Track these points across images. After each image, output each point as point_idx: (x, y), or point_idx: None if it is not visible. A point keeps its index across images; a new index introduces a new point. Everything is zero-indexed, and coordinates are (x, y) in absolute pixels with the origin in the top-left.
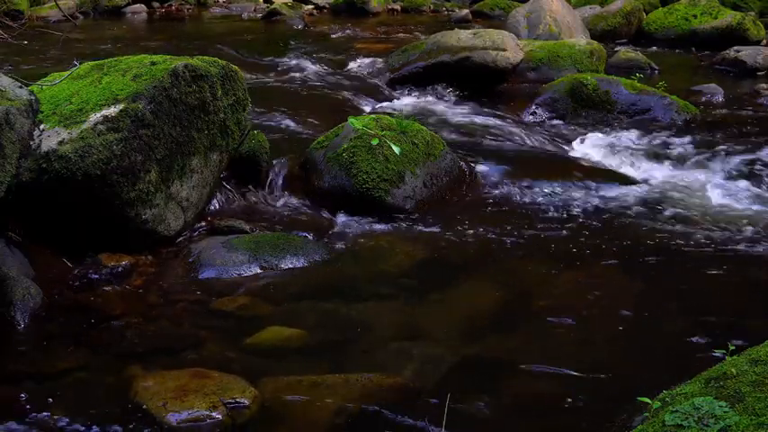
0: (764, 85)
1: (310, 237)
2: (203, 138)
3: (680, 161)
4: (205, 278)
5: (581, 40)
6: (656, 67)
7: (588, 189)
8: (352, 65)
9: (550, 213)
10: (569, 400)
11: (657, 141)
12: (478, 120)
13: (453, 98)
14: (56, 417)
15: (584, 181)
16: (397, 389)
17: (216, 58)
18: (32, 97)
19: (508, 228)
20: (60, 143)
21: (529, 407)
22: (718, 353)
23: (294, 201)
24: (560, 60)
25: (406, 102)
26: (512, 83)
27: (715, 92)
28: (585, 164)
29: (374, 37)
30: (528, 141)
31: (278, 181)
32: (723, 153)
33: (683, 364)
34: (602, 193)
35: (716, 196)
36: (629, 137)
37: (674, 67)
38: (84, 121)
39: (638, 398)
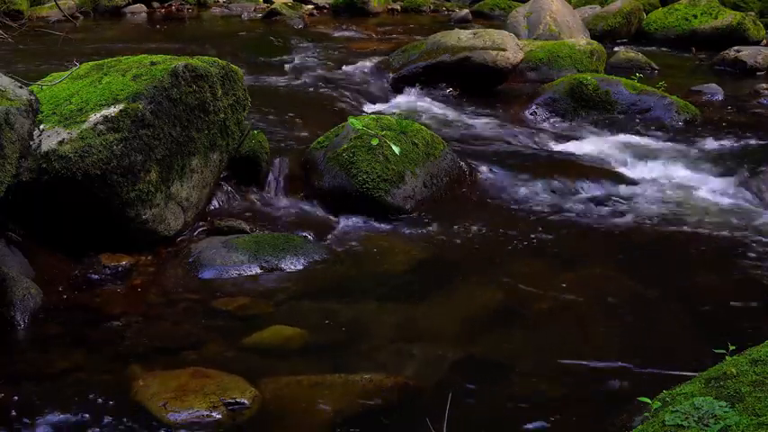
0: (764, 85)
1: (310, 237)
2: (203, 138)
3: (680, 161)
4: (205, 278)
5: (581, 40)
6: (656, 67)
7: (588, 189)
8: (352, 65)
9: (550, 213)
10: (569, 399)
11: (657, 141)
12: (478, 120)
13: (453, 98)
14: (56, 417)
15: (584, 181)
16: (397, 389)
17: (216, 58)
18: (32, 97)
19: (508, 227)
20: (60, 143)
21: (529, 407)
22: (718, 353)
23: (294, 201)
24: (560, 60)
25: (407, 102)
26: (512, 83)
27: (715, 92)
28: (585, 164)
29: (374, 37)
30: (528, 141)
31: (278, 181)
32: (723, 153)
33: (683, 364)
34: (601, 193)
35: (716, 197)
36: (629, 137)
37: (674, 67)
38: (85, 121)
39: (638, 398)
